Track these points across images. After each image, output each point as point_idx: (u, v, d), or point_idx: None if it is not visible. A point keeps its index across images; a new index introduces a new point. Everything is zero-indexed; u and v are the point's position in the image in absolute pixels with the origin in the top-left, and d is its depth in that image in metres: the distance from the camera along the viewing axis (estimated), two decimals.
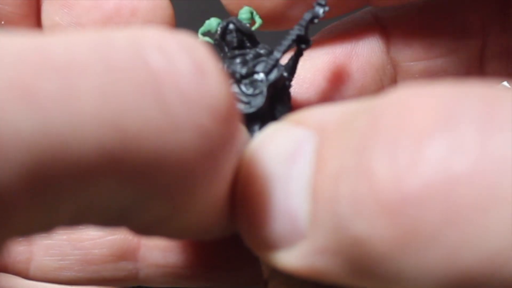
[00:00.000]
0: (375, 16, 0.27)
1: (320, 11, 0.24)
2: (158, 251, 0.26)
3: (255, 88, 0.23)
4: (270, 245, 0.18)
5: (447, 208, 0.15)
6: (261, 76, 0.23)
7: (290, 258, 0.18)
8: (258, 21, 0.25)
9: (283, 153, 0.18)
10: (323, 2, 0.24)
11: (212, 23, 0.25)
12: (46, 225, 0.15)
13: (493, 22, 0.27)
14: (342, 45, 0.27)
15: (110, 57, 0.15)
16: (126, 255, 0.26)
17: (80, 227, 0.16)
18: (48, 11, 0.26)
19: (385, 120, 0.16)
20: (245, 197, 0.18)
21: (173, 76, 0.15)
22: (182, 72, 0.15)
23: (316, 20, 0.24)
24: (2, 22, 0.26)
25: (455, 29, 0.27)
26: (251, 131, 0.22)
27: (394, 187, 0.15)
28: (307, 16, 0.24)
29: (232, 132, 0.16)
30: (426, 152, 0.15)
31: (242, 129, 0.18)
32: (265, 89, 0.22)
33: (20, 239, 0.16)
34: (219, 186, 0.17)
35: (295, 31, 0.24)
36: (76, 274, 0.26)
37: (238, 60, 0.23)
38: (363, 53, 0.27)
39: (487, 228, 0.14)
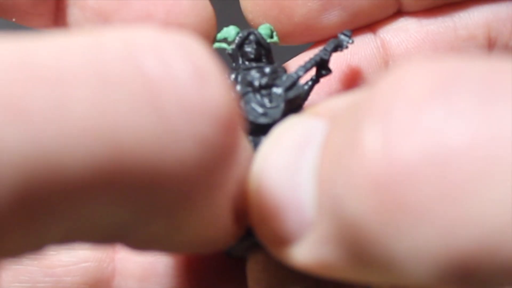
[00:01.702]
0: (372, 29, 0.27)
1: (344, 42, 0.24)
2: (133, 281, 0.25)
3: (271, 101, 0.22)
4: (283, 241, 0.17)
5: (441, 180, 0.14)
6: (280, 90, 0.22)
7: (301, 252, 0.17)
8: (276, 39, 0.25)
9: (294, 144, 0.17)
10: (348, 34, 0.24)
11: (231, 31, 0.24)
12: (36, 245, 0.14)
13: (499, 34, 0.26)
14: (336, 59, 0.26)
15: (101, 64, 0.14)
16: (99, 284, 0.25)
17: (71, 245, 0.15)
18: (74, 14, 0.24)
19: (380, 91, 0.15)
20: (258, 194, 0.17)
21: (170, 83, 0.14)
22: (180, 77, 0.14)
23: (339, 49, 0.24)
24: (14, 20, 0.24)
25: (457, 37, 0.26)
26: (257, 143, 0.21)
27: (383, 158, 0.14)
28: (332, 43, 0.24)
29: (235, 141, 0.15)
30: (421, 120, 0.14)
31: (244, 139, 0.17)
32: (282, 104, 0.22)
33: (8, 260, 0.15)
34: (222, 199, 0.16)
35: (320, 54, 0.24)
36: None
37: (255, 71, 0.23)
38: (359, 66, 0.26)
39: (486, 203, 0.13)
